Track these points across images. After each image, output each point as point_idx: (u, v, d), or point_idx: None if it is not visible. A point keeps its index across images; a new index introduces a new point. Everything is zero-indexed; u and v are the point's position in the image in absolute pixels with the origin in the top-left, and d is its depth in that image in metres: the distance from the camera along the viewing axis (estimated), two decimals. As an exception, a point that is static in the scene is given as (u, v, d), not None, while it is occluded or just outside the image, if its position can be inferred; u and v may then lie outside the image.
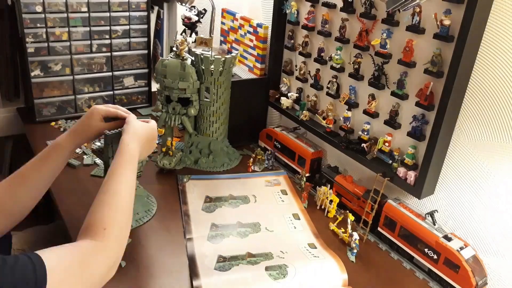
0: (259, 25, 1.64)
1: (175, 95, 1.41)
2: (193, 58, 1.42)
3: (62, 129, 1.65)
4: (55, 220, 1.67)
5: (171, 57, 1.39)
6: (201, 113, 1.48)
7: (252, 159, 1.53)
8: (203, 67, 1.40)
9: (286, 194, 1.41)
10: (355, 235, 1.15)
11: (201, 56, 1.39)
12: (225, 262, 1.08)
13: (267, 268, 1.06)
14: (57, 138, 1.11)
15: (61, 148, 1.09)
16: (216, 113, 1.48)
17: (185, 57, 1.40)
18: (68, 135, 1.10)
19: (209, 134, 1.51)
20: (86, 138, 1.12)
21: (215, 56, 1.39)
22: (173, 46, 1.41)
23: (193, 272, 1.03)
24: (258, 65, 1.68)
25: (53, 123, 1.70)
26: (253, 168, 1.52)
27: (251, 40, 1.70)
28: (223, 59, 1.39)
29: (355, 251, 1.16)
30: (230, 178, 1.46)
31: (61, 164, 1.10)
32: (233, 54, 1.43)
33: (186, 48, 1.41)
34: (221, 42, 1.91)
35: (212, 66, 1.40)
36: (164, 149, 1.46)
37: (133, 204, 1.05)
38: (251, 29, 1.69)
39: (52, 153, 1.09)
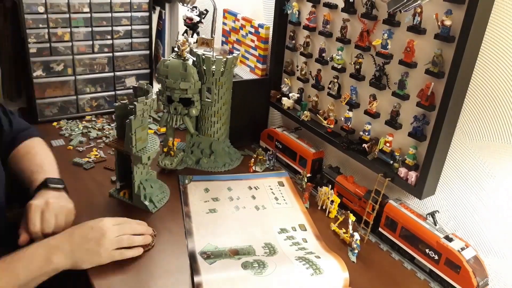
0: (261, 26, 1.64)
1: (177, 96, 1.41)
2: (194, 59, 1.42)
3: (63, 129, 1.66)
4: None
5: (172, 58, 1.40)
6: (202, 113, 1.49)
7: (253, 159, 1.53)
8: (205, 68, 1.41)
9: (287, 194, 1.41)
10: (356, 235, 1.15)
11: (203, 56, 1.39)
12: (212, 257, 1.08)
13: (265, 262, 1.06)
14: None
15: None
16: (218, 113, 1.48)
17: (186, 58, 1.40)
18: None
19: (211, 134, 1.51)
20: None
21: (217, 57, 1.39)
22: (175, 47, 1.41)
23: (194, 269, 1.04)
24: (260, 66, 1.68)
25: (55, 124, 1.70)
26: (254, 169, 1.52)
27: (252, 41, 1.70)
28: (225, 59, 1.40)
29: (356, 251, 1.16)
30: (232, 179, 1.46)
31: None
32: (234, 55, 1.43)
33: (188, 49, 1.41)
34: (223, 43, 1.91)
35: (214, 67, 1.40)
36: (165, 150, 1.46)
37: (150, 189, 1.21)
38: (252, 30, 1.69)
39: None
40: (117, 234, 1.05)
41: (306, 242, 1.20)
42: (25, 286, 0.94)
